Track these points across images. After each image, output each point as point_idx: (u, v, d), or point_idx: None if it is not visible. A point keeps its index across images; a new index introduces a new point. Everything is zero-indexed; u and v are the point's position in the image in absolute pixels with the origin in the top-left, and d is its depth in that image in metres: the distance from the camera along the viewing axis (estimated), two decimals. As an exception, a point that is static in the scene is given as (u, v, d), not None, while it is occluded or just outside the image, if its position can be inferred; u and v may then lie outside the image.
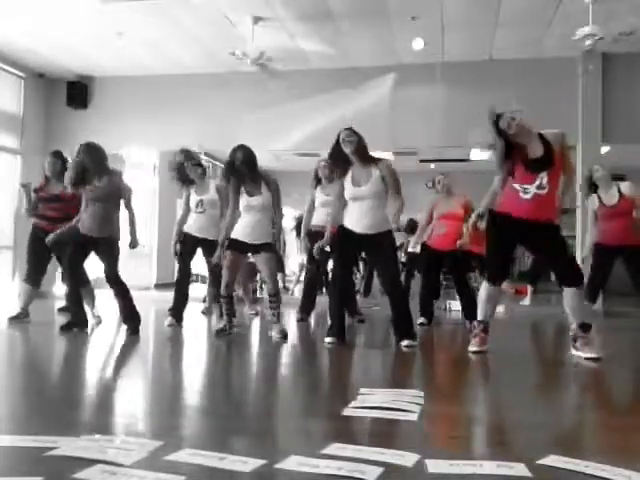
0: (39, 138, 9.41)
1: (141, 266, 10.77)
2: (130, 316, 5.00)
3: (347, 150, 4.55)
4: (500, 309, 7.69)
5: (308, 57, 8.46)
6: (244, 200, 4.82)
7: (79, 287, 5.17)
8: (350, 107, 8.54)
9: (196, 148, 7.01)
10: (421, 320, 5.88)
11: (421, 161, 12.37)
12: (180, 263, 5.79)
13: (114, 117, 8.67)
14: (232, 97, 8.92)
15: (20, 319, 5.47)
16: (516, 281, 12.73)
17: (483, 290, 4.20)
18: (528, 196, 3.91)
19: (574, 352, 4.03)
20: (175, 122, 8.98)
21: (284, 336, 4.80)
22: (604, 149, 8.41)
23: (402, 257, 9.17)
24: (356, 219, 4.52)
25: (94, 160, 4.98)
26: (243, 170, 4.75)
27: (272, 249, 4.90)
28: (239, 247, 4.82)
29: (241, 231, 4.83)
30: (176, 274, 5.85)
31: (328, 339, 4.59)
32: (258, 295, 8.77)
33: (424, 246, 6.15)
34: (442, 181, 6.02)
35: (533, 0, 6.74)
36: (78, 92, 9.44)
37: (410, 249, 10.16)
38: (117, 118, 8.56)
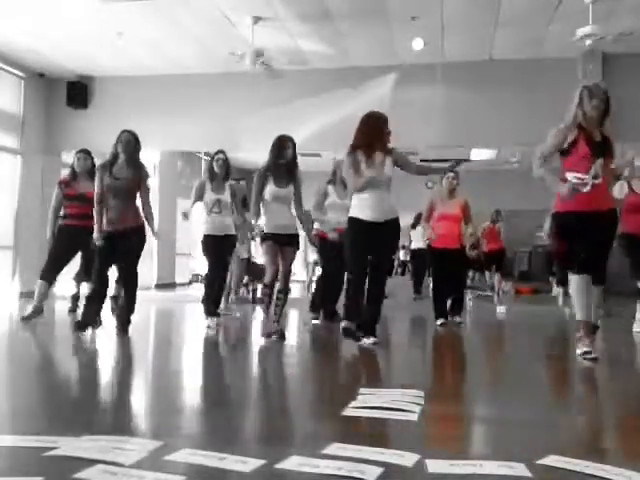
0: (39, 138, 9.42)
1: (141, 266, 10.77)
2: (126, 316, 4.97)
3: (385, 138, 4.51)
4: (502, 309, 7.71)
5: (308, 57, 8.47)
6: (271, 189, 4.83)
7: (106, 287, 5.11)
8: (350, 107, 8.55)
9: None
10: (440, 321, 5.90)
11: (421, 161, 12.39)
12: (210, 265, 5.76)
13: (114, 117, 8.66)
14: (232, 97, 8.92)
15: (34, 316, 5.53)
16: (516, 281, 12.77)
17: (573, 285, 3.96)
18: (587, 188, 3.76)
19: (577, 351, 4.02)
20: (175, 122, 8.99)
21: (282, 336, 4.79)
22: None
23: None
24: (371, 205, 4.45)
25: (126, 149, 4.94)
26: (288, 160, 4.82)
27: (297, 244, 4.94)
28: (272, 239, 4.84)
29: (272, 224, 4.85)
30: (207, 276, 5.89)
31: (367, 340, 4.42)
32: (258, 295, 8.77)
33: (429, 248, 6.18)
34: (450, 179, 6.01)
35: (533, 0, 6.74)
36: (78, 92, 9.44)
37: (414, 246, 10.23)
38: (117, 118, 8.54)
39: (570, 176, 3.80)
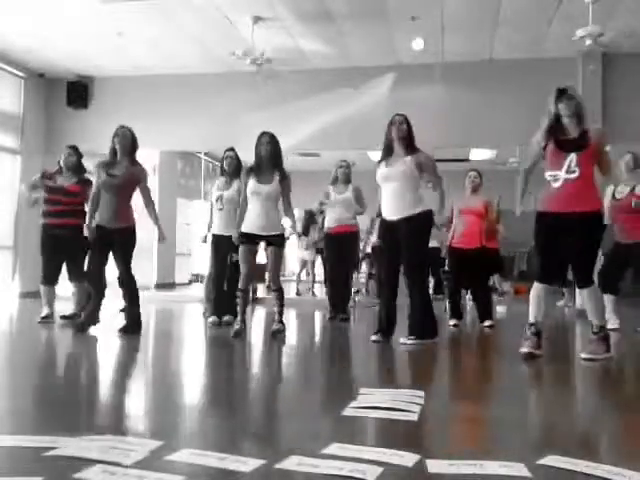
0: (39, 138, 9.41)
1: (141, 266, 10.76)
2: (132, 324, 4.98)
3: (394, 134, 4.56)
4: (501, 309, 7.72)
5: (308, 57, 8.46)
6: (252, 185, 4.86)
7: (103, 287, 5.10)
8: (350, 107, 8.55)
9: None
10: (453, 322, 5.93)
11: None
12: (215, 269, 5.79)
13: (114, 117, 8.64)
14: (232, 97, 8.92)
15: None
16: (516, 281, 12.75)
17: (532, 290, 4.04)
18: (558, 184, 3.79)
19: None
20: (175, 122, 8.98)
21: (280, 332, 4.85)
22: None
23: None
24: (386, 204, 4.57)
25: (122, 143, 4.97)
26: (264, 154, 4.84)
27: (282, 242, 4.96)
28: (250, 240, 4.87)
29: (250, 223, 4.87)
30: (210, 273, 5.91)
31: (373, 337, 4.57)
32: (258, 295, 8.77)
33: (449, 247, 6.14)
34: (472, 177, 6.04)
35: (533, 0, 6.74)
36: (78, 92, 9.43)
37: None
38: (117, 118, 8.54)
39: (548, 176, 3.88)
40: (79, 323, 5.05)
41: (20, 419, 2.46)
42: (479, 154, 12.33)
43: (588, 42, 6.58)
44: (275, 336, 4.82)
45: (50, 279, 5.66)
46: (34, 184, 5.76)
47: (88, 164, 5.98)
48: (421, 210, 4.54)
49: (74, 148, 5.82)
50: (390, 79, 8.64)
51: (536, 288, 4.01)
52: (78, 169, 5.76)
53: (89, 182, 5.77)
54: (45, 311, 5.62)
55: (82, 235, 5.56)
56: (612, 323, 5.75)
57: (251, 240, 4.87)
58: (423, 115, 8.31)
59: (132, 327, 4.95)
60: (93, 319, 5.02)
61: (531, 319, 4.02)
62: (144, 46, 8.23)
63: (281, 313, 4.95)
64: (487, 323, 5.88)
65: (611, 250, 5.77)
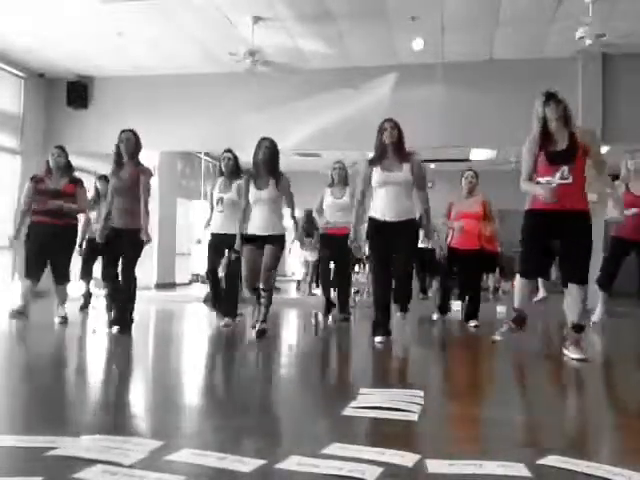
0: (39, 138, 9.41)
1: (141, 266, 10.76)
2: (122, 320, 4.98)
3: (387, 141, 4.56)
4: (502, 309, 7.70)
5: (308, 57, 8.47)
6: (253, 193, 4.91)
7: (116, 284, 5.13)
8: (350, 107, 8.55)
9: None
10: (436, 316, 5.93)
11: (421, 161, 12.39)
12: (209, 261, 5.79)
13: (114, 117, 8.66)
14: (232, 97, 8.92)
15: (20, 316, 5.47)
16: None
17: (516, 283, 4.29)
18: (553, 186, 3.82)
19: (564, 351, 4.03)
20: (175, 122, 8.99)
21: (260, 334, 4.78)
22: (604, 149, 8.41)
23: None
24: (384, 206, 4.55)
25: (127, 148, 5.04)
26: (262, 158, 4.87)
27: (280, 243, 4.94)
28: (251, 240, 4.89)
29: (253, 226, 4.92)
30: (205, 272, 5.95)
31: (378, 338, 4.52)
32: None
33: (448, 247, 6.14)
34: (469, 178, 5.99)
35: (533, 0, 6.75)
36: (78, 92, 9.44)
37: (420, 244, 10.21)
38: (117, 118, 8.56)
39: (540, 179, 3.92)
40: (112, 324, 5.03)
41: (20, 419, 2.46)
42: (479, 154, 12.32)
43: (588, 42, 6.59)
44: (260, 336, 4.77)
45: (31, 273, 5.54)
46: (27, 197, 5.64)
47: (89, 165, 5.98)
48: (416, 216, 4.67)
49: (62, 148, 5.78)
50: (390, 79, 8.64)
51: (520, 282, 4.20)
52: (67, 169, 5.72)
53: (80, 182, 5.77)
54: (19, 304, 5.49)
55: (71, 236, 5.65)
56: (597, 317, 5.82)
57: (254, 242, 4.89)
58: (423, 115, 8.34)
59: (121, 324, 4.95)
60: (124, 321, 4.99)
61: (516, 305, 4.28)
62: (144, 46, 8.23)
63: (266, 314, 4.90)
64: (473, 323, 5.90)
65: (611, 246, 5.81)
